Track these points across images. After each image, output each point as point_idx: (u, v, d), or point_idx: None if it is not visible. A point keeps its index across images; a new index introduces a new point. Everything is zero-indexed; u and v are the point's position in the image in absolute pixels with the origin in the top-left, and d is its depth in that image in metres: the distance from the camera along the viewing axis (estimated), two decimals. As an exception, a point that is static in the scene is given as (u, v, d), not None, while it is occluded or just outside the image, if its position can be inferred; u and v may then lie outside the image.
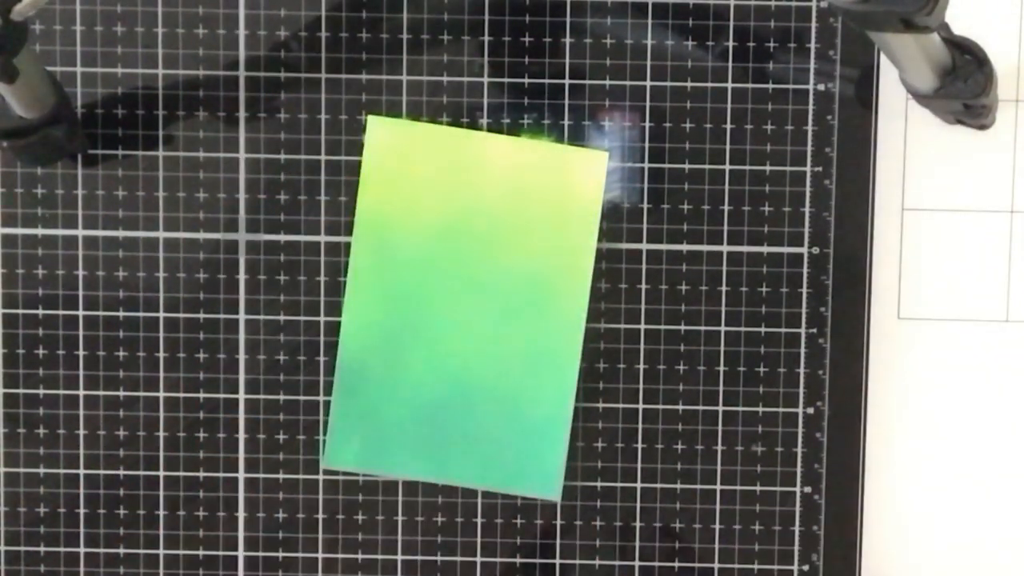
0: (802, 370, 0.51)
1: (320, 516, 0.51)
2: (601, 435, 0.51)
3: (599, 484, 0.51)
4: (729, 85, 0.50)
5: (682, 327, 0.51)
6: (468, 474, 0.50)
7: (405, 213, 0.50)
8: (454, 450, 0.50)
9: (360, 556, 0.51)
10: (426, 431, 0.50)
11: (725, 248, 0.50)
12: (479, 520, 0.51)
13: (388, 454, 0.50)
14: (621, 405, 0.51)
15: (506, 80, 0.50)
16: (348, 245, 0.51)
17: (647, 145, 0.50)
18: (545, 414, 0.50)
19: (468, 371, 0.50)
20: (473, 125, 0.50)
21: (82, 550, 0.51)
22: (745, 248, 0.50)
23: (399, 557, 0.51)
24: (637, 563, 0.51)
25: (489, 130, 0.50)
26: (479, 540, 0.51)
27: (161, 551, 0.51)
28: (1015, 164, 0.51)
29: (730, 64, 0.50)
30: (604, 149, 0.50)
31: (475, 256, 0.50)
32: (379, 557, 0.51)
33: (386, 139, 0.50)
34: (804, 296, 0.51)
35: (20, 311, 0.51)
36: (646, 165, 0.50)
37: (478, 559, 0.51)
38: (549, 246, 0.50)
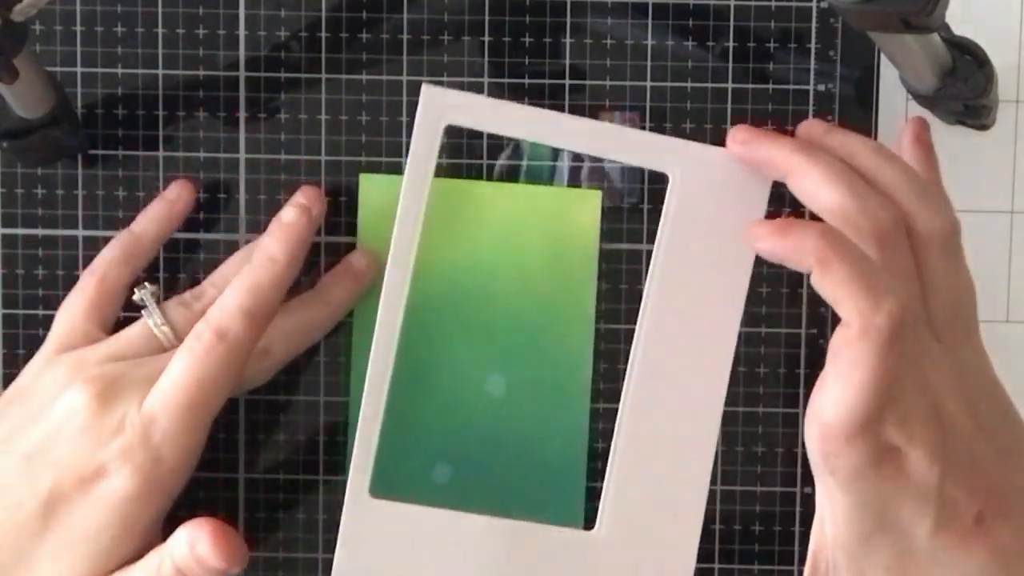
0: (802, 370, 0.51)
1: (320, 516, 0.51)
2: (601, 435, 0.51)
3: (600, 484, 0.51)
4: (729, 85, 0.50)
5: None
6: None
7: (431, 256, 0.49)
8: (474, 495, 0.50)
9: (360, 556, 0.51)
10: (444, 478, 0.50)
11: (725, 248, 0.50)
12: None
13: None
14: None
15: (506, 80, 0.50)
16: (349, 246, 0.50)
17: (647, 145, 0.50)
18: (560, 450, 0.50)
19: (482, 415, 0.50)
20: (473, 125, 0.50)
21: (82, 550, 0.51)
22: (745, 248, 0.50)
23: (399, 557, 0.51)
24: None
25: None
26: None
27: (161, 551, 0.51)
28: (1015, 164, 0.51)
29: (730, 64, 0.50)
30: (597, 188, 0.50)
31: (478, 301, 0.50)
32: (379, 557, 0.51)
33: (379, 195, 0.50)
34: (804, 296, 0.51)
35: (20, 311, 0.51)
36: (646, 165, 0.50)
37: None
38: (549, 287, 0.50)
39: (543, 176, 0.50)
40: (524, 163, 0.50)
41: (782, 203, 0.48)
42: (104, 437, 0.43)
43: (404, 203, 0.43)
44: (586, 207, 0.50)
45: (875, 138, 0.51)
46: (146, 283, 0.48)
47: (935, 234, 0.42)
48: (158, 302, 0.47)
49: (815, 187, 0.42)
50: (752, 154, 0.43)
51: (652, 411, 0.44)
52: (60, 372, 0.45)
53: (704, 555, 0.50)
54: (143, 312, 0.47)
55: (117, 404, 0.43)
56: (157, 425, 0.43)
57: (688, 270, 0.44)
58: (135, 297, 0.47)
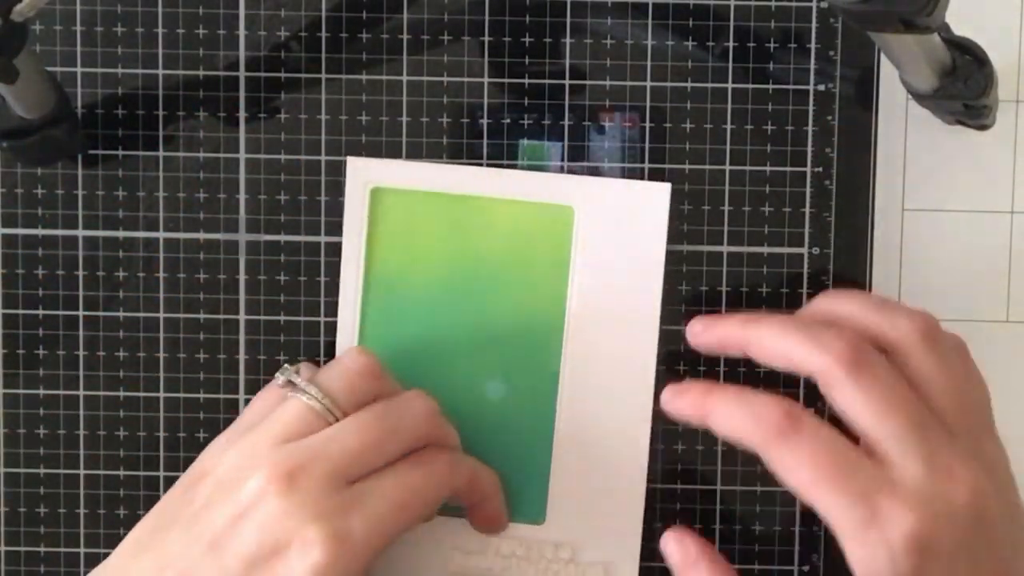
0: (802, 370, 0.51)
1: (320, 516, 0.51)
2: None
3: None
4: (729, 85, 0.50)
5: (682, 327, 0.51)
6: None
7: (412, 270, 0.51)
8: None
9: (360, 556, 0.51)
10: None
11: (725, 249, 0.50)
12: None
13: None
14: (621, 405, 0.51)
15: (506, 80, 0.50)
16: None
17: (647, 145, 0.50)
18: (533, 453, 0.51)
19: (483, 414, 0.50)
20: (473, 125, 0.50)
21: (82, 550, 0.51)
22: (745, 249, 0.50)
23: (399, 557, 0.51)
24: (637, 563, 0.51)
25: (489, 132, 0.50)
26: (479, 540, 0.51)
27: (161, 551, 0.51)
28: (1015, 164, 0.51)
29: (730, 64, 0.50)
30: (568, 205, 0.50)
31: (476, 305, 0.50)
32: (379, 557, 0.51)
33: (389, 206, 0.50)
34: (804, 297, 0.51)
35: (20, 311, 0.51)
36: (646, 165, 0.50)
37: None
38: (530, 293, 0.51)
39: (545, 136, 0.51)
40: (527, 120, 0.51)
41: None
42: (289, 521, 0.41)
43: (345, 256, 0.50)
44: (561, 220, 0.50)
45: (874, 138, 0.51)
46: (287, 364, 0.46)
47: (907, 336, 0.42)
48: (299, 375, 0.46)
49: (770, 345, 0.42)
50: (709, 338, 0.45)
51: (585, 415, 0.50)
52: (238, 457, 0.44)
53: (704, 555, 0.50)
54: (292, 392, 0.45)
55: (300, 489, 0.42)
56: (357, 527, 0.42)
57: (604, 288, 0.50)
58: (279, 382, 0.45)
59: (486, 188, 0.50)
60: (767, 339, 0.42)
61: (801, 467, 0.40)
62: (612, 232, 0.50)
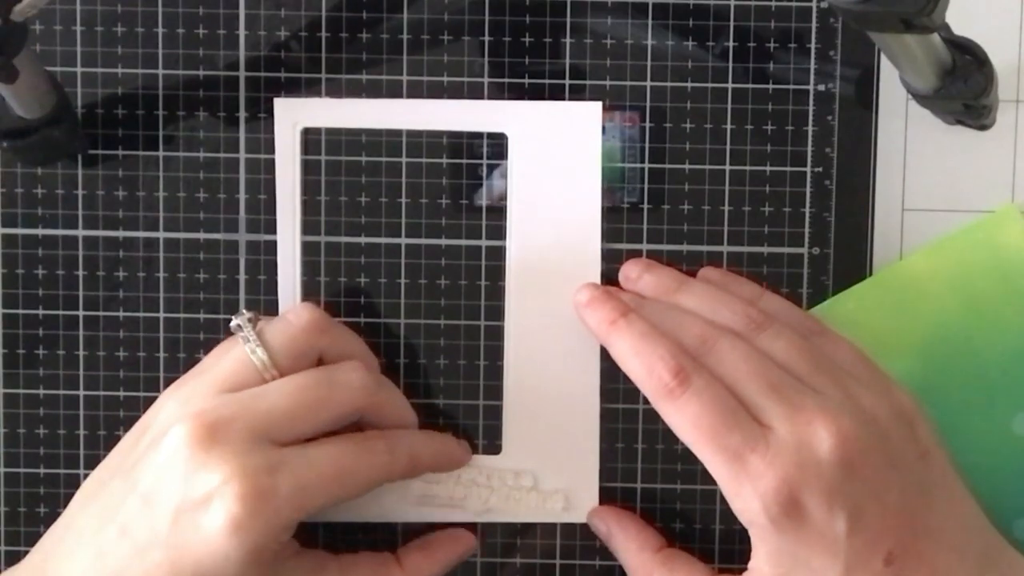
0: (802, 370, 0.51)
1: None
2: (601, 435, 0.51)
3: (599, 485, 0.51)
4: (729, 85, 0.50)
5: (682, 327, 0.51)
6: None
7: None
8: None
9: (360, 556, 0.51)
10: None
11: (725, 249, 0.50)
12: (479, 519, 0.51)
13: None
14: (621, 405, 0.51)
15: (506, 80, 0.50)
16: (347, 245, 0.51)
17: (647, 145, 0.50)
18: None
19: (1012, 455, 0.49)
20: (473, 125, 0.50)
21: (82, 550, 0.51)
22: (745, 249, 0.50)
23: (399, 557, 0.51)
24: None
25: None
26: (479, 540, 0.51)
27: (161, 551, 0.51)
28: (1015, 164, 0.51)
29: (730, 64, 0.50)
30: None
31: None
32: (379, 557, 0.51)
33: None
34: (804, 296, 0.51)
35: (20, 311, 0.51)
36: (646, 165, 0.50)
37: (478, 559, 0.51)
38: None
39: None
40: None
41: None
42: (209, 474, 0.42)
43: (280, 198, 0.50)
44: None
45: (874, 138, 0.51)
46: (244, 310, 0.47)
47: (734, 324, 0.46)
48: (254, 326, 0.46)
49: (623, 362, 0.46)
50: (582, 319, 0.48)
51: (532, 344, 0.50)
52: (175, 406, 0.45)
53: (704, 555, 0.50)
54: (240, 337, 0.46)
55: (220, 443, 0.42)
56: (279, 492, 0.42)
57: (542, 213, 0.50)
58: (232, 324, 0.46)
59: (415, 120, 0.50)
60: (618, 356, 0.46)
61: (684, 426, 0.43)
62: (546, 156, 0.50)
